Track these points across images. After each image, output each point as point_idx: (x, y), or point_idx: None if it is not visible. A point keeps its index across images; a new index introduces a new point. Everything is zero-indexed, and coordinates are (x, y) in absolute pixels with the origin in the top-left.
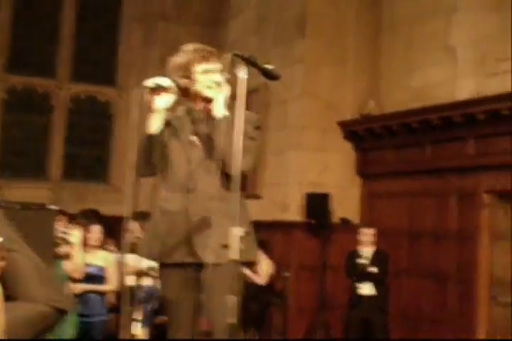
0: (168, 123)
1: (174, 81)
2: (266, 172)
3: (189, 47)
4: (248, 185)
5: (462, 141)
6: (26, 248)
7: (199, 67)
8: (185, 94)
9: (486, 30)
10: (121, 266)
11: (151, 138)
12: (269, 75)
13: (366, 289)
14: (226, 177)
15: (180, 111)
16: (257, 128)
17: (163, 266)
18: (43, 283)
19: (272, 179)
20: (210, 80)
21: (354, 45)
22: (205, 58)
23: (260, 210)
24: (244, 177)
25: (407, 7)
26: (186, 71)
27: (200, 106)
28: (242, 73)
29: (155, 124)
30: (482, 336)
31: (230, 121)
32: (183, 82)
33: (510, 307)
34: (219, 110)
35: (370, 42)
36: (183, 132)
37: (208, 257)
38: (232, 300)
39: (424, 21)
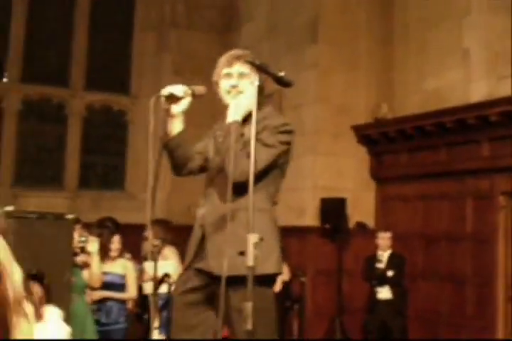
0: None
1: (190, 88)
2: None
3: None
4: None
5: (477, 143)
6: None
7: (222, 72)
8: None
9: (498, 32)
10: (141, 273)
11: (168, 143)
12: (281, 82)
13: (384, 293)
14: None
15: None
16: (284, 132)
17: (184, 270)
18: None
19: (287, 184)
20: (228, 84)
21: (366, 49)
22: (227, 62)
23: (276, 216)
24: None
25: (420, 10)
26: (216, 78)
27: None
28: (254, 80)
29: (174, 129)
30: (501, 339)
31: (235, 126)
32: (197, 88)
33: None
34: (229, 116)
35: (382, 46)
36: (217, 140)
37: (221, 268)
38: (248, 308)
39: (436, 24)
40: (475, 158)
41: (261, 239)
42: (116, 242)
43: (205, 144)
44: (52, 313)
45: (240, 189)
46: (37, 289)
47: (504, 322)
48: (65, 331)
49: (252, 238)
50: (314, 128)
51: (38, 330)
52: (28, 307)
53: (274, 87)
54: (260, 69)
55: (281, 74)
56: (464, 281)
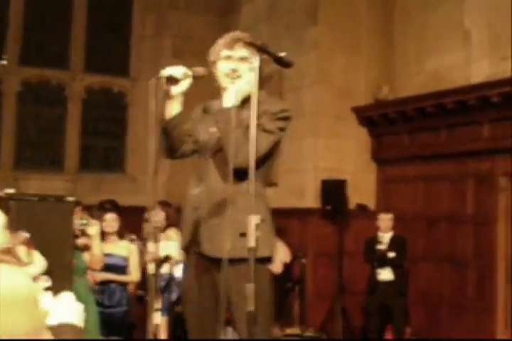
0: (204, 112)
1: (191, 69)
2: (282, 159)
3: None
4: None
5: (477, 125)
6: None
7: (221, 54)
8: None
9: (500, 12)
10: (143, 254)
11: (166, 124)
12: (282, 62)
13: (385, 274)
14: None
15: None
16: (282, 119)
17: (186, 253)
18: None
19: (288, 166)
20: (227, 68)
21: (367, 30)
22: (227, 45)
23: (276, 197)
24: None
25: None
26: (213, 58)
27: (224, 95)
28: (255, 61)
29: (172, 110)
30: (501, 320)
31: (233, 111)
32: (197, 70)
33: None
34: (227, 100)
35: (383, 27)
36: (209, 123)
37: (218, 252)
38: (250, 289)
39: (437, 4)
40: (476, 139)
41: (262, 221)
42: (109, 220)
43: (194, 126)
44: (67, 295)
45: (238, 174)
46: (22, 236)
47: (504, 304)
48: (78, 307)
49: (254, 219)
50: (315, 110)
51: (52, 303)
52: (18, 252)
53: (274, 68)
54: (261, 49)
55: (282, 54)
56: (465, 263)
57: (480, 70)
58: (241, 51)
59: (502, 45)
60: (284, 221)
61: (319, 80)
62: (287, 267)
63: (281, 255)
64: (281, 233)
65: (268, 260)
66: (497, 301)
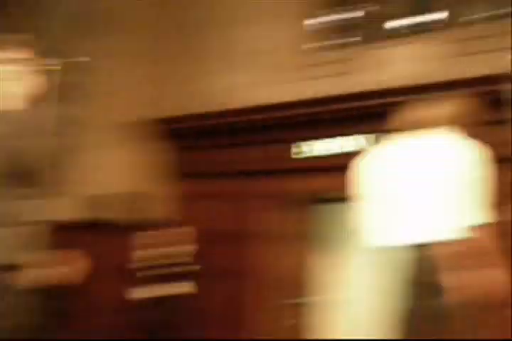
0: None
1: None
2: (72, 169)
3: None
4: (48, 183)
5: (245, 146)
6: None
7: None
8: None
9: (286, 36)
10: None
11: None
12: (78, 70)
13: (170, 289)
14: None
15: None
16: (69, 124)
17: None
18: None
19: (81, 177)
20: None
21: (161, 43)
22: None
23: (62, 209)
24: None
25: (209, 11)
26: None
27: None
28: (51, 66)
29: None
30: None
31: (14, 115)
32: None
33: (297, 308)
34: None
35: (176, 42)
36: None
37: None
38: None
39: (224, 26)
40: (249, 159)
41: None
42: None
43: None
44: None
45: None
46: None
47: (261, 322)
48: None
49: None
50: (111, 121)
51: None
52: None
53: (69, 75)
54: (60, 55)
55: (81, 60)
56: (247, 281)
57: (264, 92)
58: (11, 53)
59: (289, 68)
60: (70, 234)
61: (117, 89)
62: (76, 281)
63: (73, 268)
64: (64, 246)
65: (13, 269)
66: (251, 319)
